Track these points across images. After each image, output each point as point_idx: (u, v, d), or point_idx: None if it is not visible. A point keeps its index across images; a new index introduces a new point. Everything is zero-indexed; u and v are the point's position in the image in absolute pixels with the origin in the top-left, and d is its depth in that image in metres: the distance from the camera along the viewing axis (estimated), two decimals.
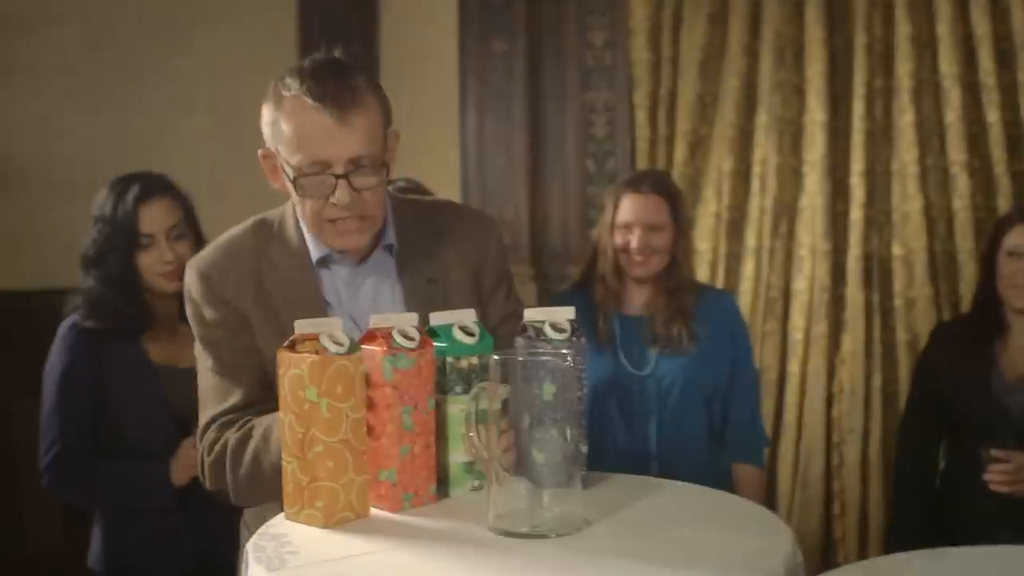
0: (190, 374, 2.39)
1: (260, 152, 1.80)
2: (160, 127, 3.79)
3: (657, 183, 2.74)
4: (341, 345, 1.48)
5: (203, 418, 1.78)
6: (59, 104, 3.68)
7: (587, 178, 3.93)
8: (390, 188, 2.85)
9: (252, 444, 1.66)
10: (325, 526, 1.46)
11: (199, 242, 2.43)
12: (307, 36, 4.20)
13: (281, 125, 1.70)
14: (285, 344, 1.49)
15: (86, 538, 2.50)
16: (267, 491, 1.64)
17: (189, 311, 1.81)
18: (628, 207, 2.70)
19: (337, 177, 1.68)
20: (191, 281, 1.80)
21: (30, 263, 3.58)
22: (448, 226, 1.88)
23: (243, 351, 1.75)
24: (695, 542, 1.38)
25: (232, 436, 1.70)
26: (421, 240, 1.85)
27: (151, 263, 2.37)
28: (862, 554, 3.47)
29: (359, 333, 1.65)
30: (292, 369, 1.46)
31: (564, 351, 1.47)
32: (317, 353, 1.45)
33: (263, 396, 1.71)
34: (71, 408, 2.34)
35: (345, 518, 1.48)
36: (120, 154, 3.67)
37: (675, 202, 2.73)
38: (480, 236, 1.90)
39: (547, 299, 3.85)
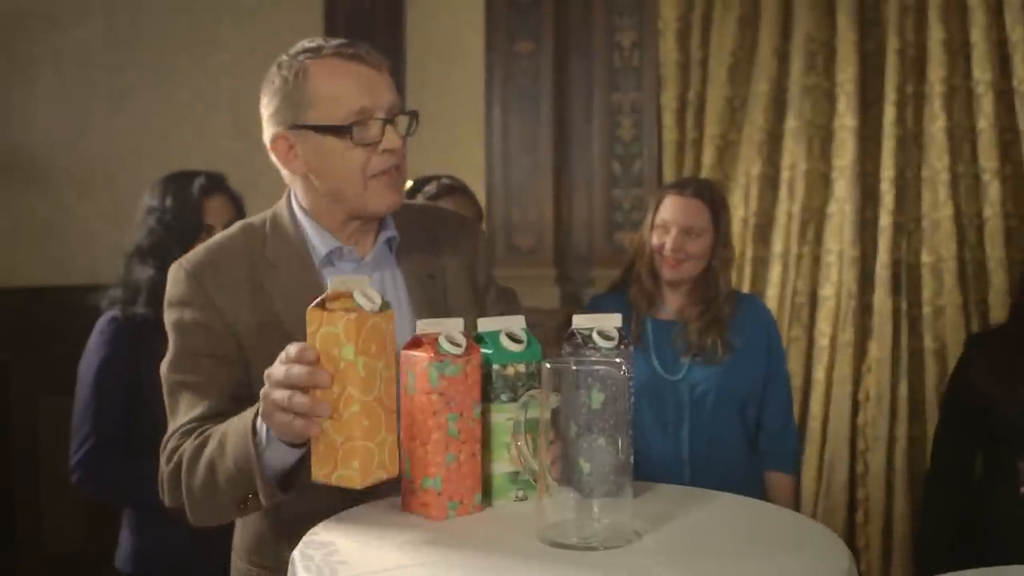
0: None
1: (271, 136, 1.78)
2: (183, 125, 3.78)
3: (701, 188, 2.74)
4: (374, 302, 1.44)
5: (169, 428, 1.71)
6: (81, 100, 3.67)
7: (613, 180, 3.91)
8: (433, 185, 2.86)
9: (207, 451, 1.59)
10: (361, 485, 1.42)
11: None
12: (332, 33, 4.19)
13: (309, 91, 1.71)
14: (315, 303, 1.44)
15: (109, 537, 2.48)
16: (221, 505, 1.59)
17: (168, 316, 1.74)
18: (668, 207, 2.69)
19: (385, 122, 1.71)
20: (177, 281, 1.74)
21: (45, 259, 3.57)
22: (438, 227, 1.91)
23: (219, 360, 1.70)
24: (748, 556, 1.36)
25: (189, 444, 1.63)
26: (417, 238, 1.86)
27: None
28: (885, 563, 3.44)
29: None
30: (325, 327, 1.42)
31: (616, 359, 1.44)
32: (351, 311, 1.42)
33: (233, 410, 1.63)
34: (108, 403, 2.34)
35: (378, 477, 1.44)
36: (142, 151, 3.66)
37: (717, 209, 2.72)
38: (469, 238, 1.93)
39: (569, 301, 3.83)
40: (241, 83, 3.92)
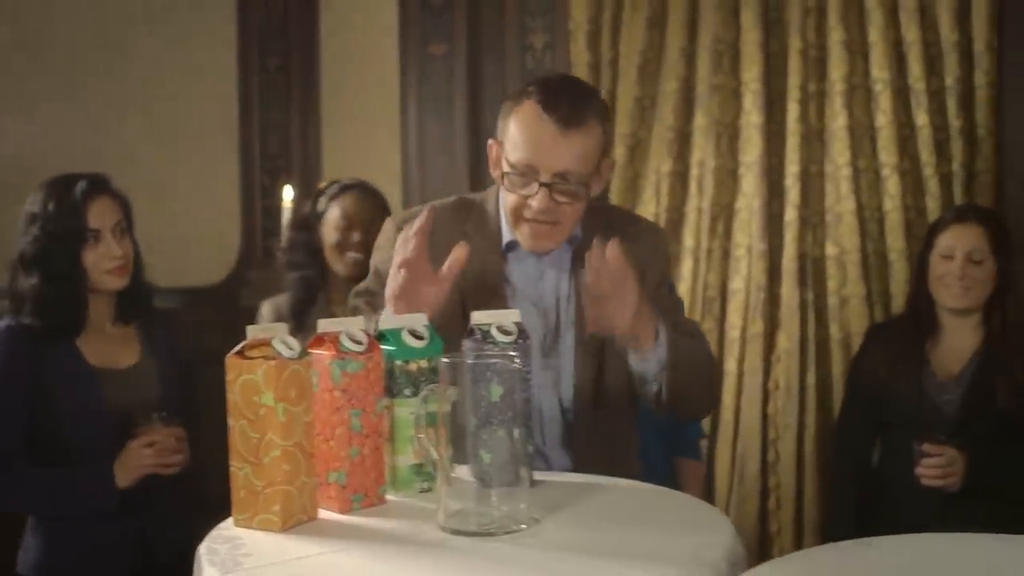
0: (128, 374, 2.40)
1: (489, 141, 1.96)
2: (95, 129, 3.76)
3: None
4: (293, 350, 1.49)
5: None
6: None
7: None
8: (335, 187, 2.89)
9: None
10: (282, 530, 1.47)
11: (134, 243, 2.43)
12: (245, 37, 4.19)
13: (511, 124, 1.87)
14: (234, 351, 1.50)
15: (9, 544, 2.44)
16: None
17: (373, 257, 2.01)
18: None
19: (541, 184, 1.82)
20: (385, 231, 2.00)
21: None
22: (624, 229, 1.98)
23: (373, 305, 1.90)
24: (640, 537, 1.42)
25: None
26: (596, 234, 1.92)
27: (98, 259, 2.34)
28: (798, 547, 3.54)
29: (541, 319, 1.88)
30: (244, 375, 1.47)
31: (511, 353, 1.49)
32: (270, 359, 1.46)
33: None
34: (7, 413, 2.30)
35: (299, 520, 1.50)
36: (53, 157, 3.62)
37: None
38: (650, 240, 2.04)
39: None
40: (153, 86, 3.92)
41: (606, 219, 2.02)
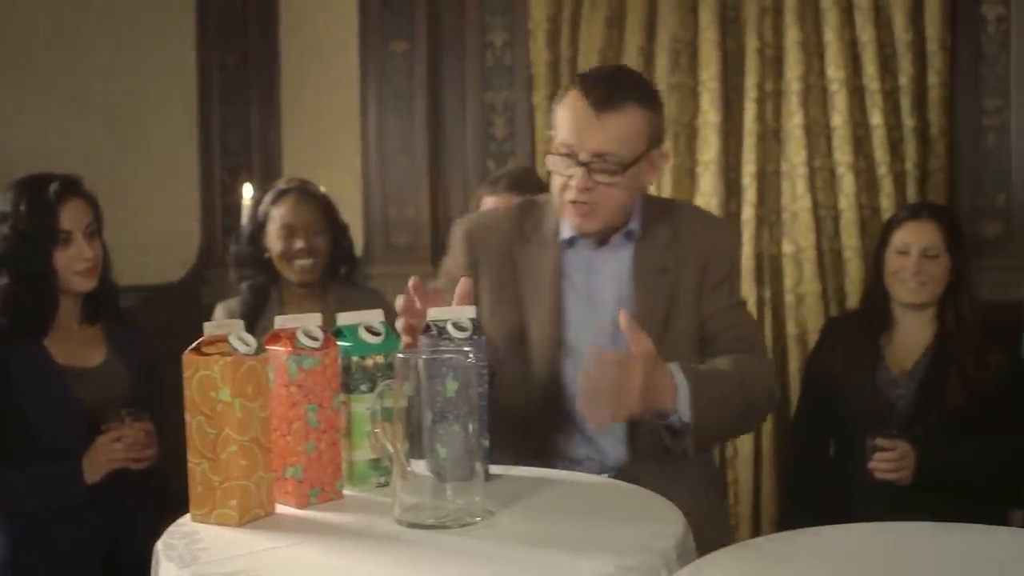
0: (95, 373, 2.40)
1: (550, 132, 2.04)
2: (53, 127, 3.72)
3: (512, 182, 2.80)
4: (249, 346, 1.50)
5: None
6: None
7: (487, 178, 3.99)
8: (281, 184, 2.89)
9: None
10: (239, 524, 1.48)
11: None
12: (205, 34, 4.17)
13: (557, 109, 1.96)
14: (191, 348, 1.50)
15: None
16: None
17: (446, 261, 2.11)
18: (486, 207, 2.77)
19: (579, 164, 1.88)
20: (453, 232, 2.10)
21: None
22: (687, 223, 2.04)
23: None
24: (593, 528, 1.45)
25: None
26: (661, 233, 2.01)
27: (69, 260, 2.35)
28: None
29: (595, 312, 1.92)
30: (201, 371, 1.48)
31: (466, 348, 1.51)
32: (227, 355, 1.47)
33: None
34: None
35: (256, 515, 1.51)
36: (10, 154, 3.60)
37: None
38: (713, 234, 2.06)
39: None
40: (112, 83, 3.89)
41: (667, 212, 2.05)
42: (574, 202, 1.92)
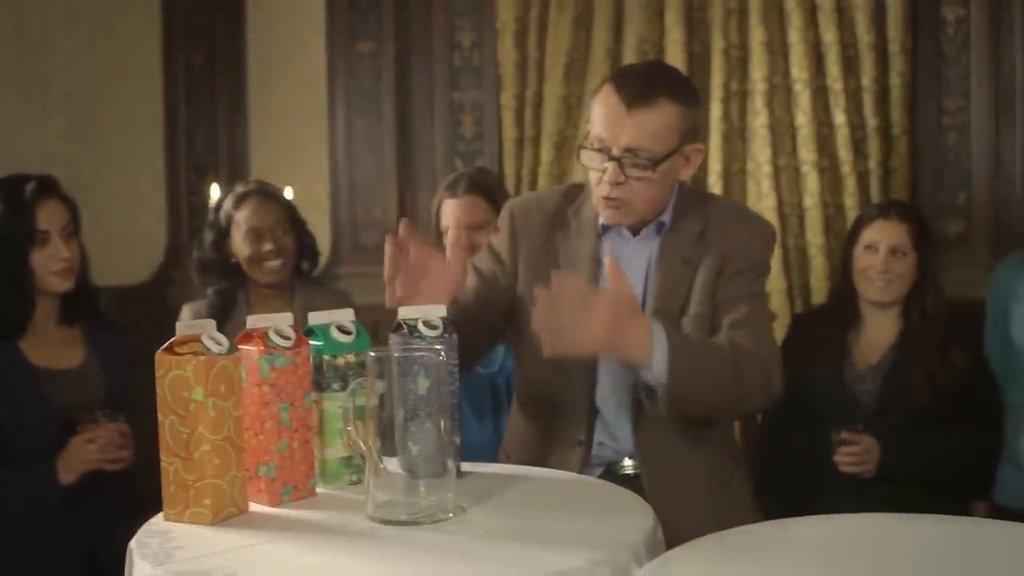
0: (71, 375, 2.40)
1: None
2: (14, 128, 3.69)
3: (471, 183, 2.81)
4: (222, 345, 1.50)
5: None
6: None
7: (444, 184, 3.99)
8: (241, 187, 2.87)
9: None
10: (212, 523, 1.48)
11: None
12: (170, 33, 4.16)
13: (592, 105, 1.98)
14: (163, 347, 1.51)
15: None
16: None
17: (494, 239, 2.14)
18: (448, 211, 2.77)
19: (611, 158, 1.89)
20: (504, 218, 2.12)
21: None
22: (718, 217, 2.03)
23: (485, 274, 2.07)
24: (563, 523, 1.47)
25: None
26: (690, 225, 2.01)
27: (45, 261, 2.35)
28: None
29: None
30: (174, 371, 1.48)
31: (437, 346, 1.52)
32: (199, 355, 1.48)
33: (469, 305, 1.96)
34: None
35: (230, 514, 1.51)
36: None
37: (494, 198, 2.76)
38: (741, 228, 2.03)
39: None
40: (75, 83, 3.87)
41: (701, 206, 2.05)
42: (607, 197, 1.94)
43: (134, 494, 2.42)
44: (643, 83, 1.90)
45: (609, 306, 1.72)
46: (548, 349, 1.73)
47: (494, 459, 2.60)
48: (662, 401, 1.81)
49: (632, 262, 2.01)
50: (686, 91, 1.97)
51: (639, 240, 2.03)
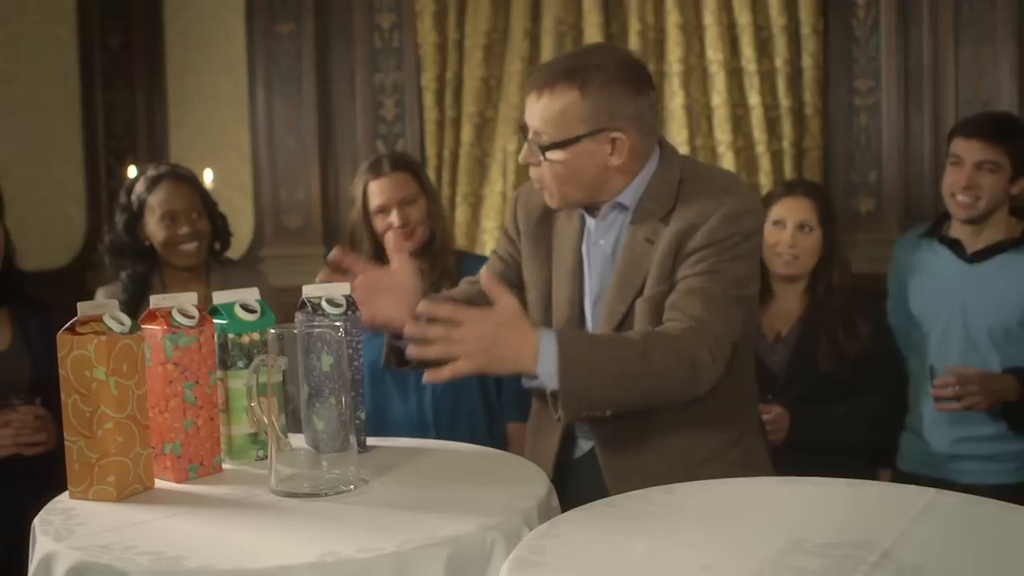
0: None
1: None
2: None
3: (395, 162, 2.84)
4: (124, 325, 1.52)
5: None
6: None
7: (364, 166, 4.01)
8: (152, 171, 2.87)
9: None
10: (117, 500, 1.50)
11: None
12: (85, 13, 4.10)
13: None
14: (65, 327, 1.52)
15: None
16: None
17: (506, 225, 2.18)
18: (376, 191, 2.80)
19: (526, 139, 1.93)
20: (512, 199, 2.16)
21: None
22: (690, 194, 1.92)
23: (505, 259, 2.12)
24: (460, 492, 1.51)
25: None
26: (659, 204, 1.92)
27: None
28: None
29: (591, 282, 1.96)
30: (76, 350, 1.50)
31: (337, 323, 1.56)
32: (101, 334, 1.49)
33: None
34: None
35: (135, 490, 1.54)
36: None
37: (418, 173, 2.84)
38: (707, 205, 1.90)
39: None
40: None
41: (676, 186, 1.94)
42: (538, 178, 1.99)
43: (59, 477, 2.41)
44: (549, 69, 1.91)
45: (484, 324, 1.69)
46: (427, 377, 1.69)
47: (422, 435, 2.66)
48: (561, 407, 1.74)
49: (598, 244, 1.99)
50: (595, 77, 1.87)
51: (607, 222, 1.98)
